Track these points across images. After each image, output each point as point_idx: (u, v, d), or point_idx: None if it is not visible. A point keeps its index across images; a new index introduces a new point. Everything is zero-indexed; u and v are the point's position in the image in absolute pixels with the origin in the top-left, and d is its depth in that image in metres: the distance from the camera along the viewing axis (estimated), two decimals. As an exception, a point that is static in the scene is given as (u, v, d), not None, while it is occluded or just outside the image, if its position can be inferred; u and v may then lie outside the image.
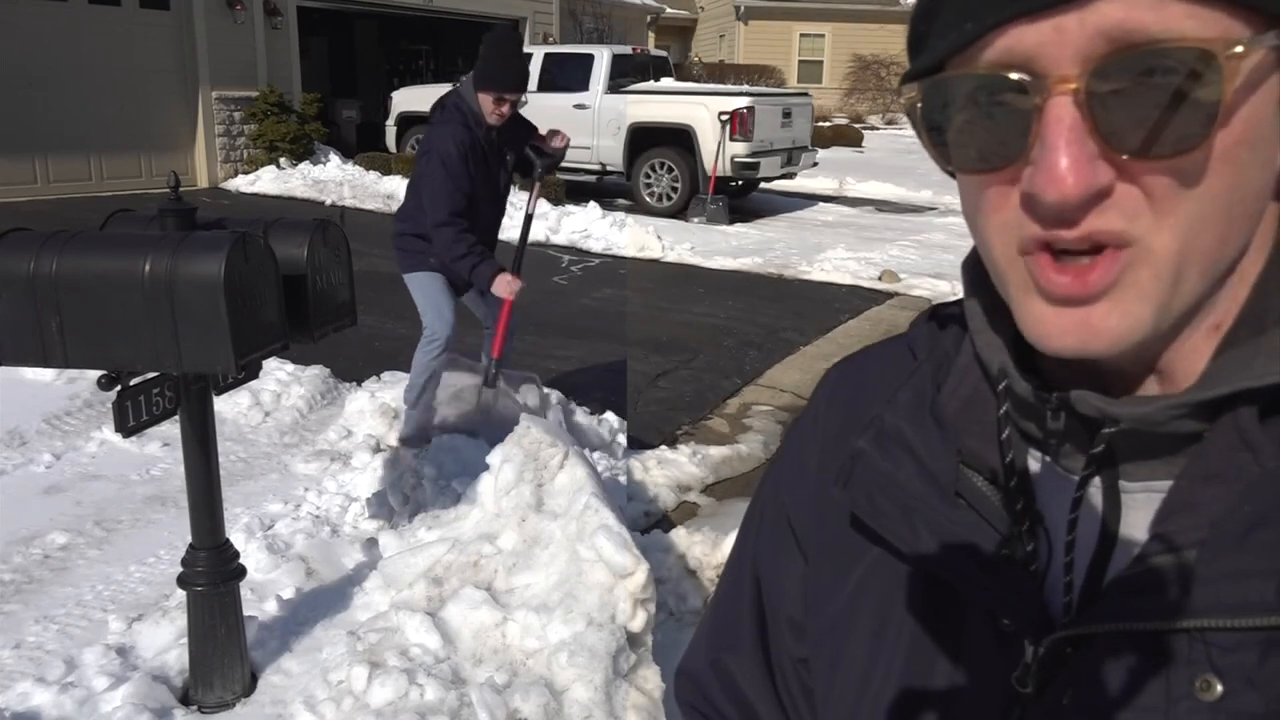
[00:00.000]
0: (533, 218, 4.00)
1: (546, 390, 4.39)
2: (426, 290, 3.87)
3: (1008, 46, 0.43)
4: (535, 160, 3.92)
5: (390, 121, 13.55)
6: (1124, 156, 0.41)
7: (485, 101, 3.67)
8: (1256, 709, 0.42)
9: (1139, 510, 0.48)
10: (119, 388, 2.18)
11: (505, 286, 3.69)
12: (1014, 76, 0.42)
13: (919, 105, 0.47)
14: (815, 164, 13.01)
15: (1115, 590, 0.47)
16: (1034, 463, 0.53)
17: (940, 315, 0.62)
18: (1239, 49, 0.39)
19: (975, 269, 0.55)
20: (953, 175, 0.49)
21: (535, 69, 11.54)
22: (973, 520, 0.52)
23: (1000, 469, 0.52)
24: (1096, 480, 0.49)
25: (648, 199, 11.75)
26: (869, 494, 0.56)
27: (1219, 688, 0.43)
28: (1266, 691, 0.42)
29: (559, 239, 9.54)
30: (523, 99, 3.79)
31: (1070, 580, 0.50)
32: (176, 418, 2.34)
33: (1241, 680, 0.42)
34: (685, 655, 0.75)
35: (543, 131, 4.04)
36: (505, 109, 3.70)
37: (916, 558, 0.54)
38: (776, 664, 0.66)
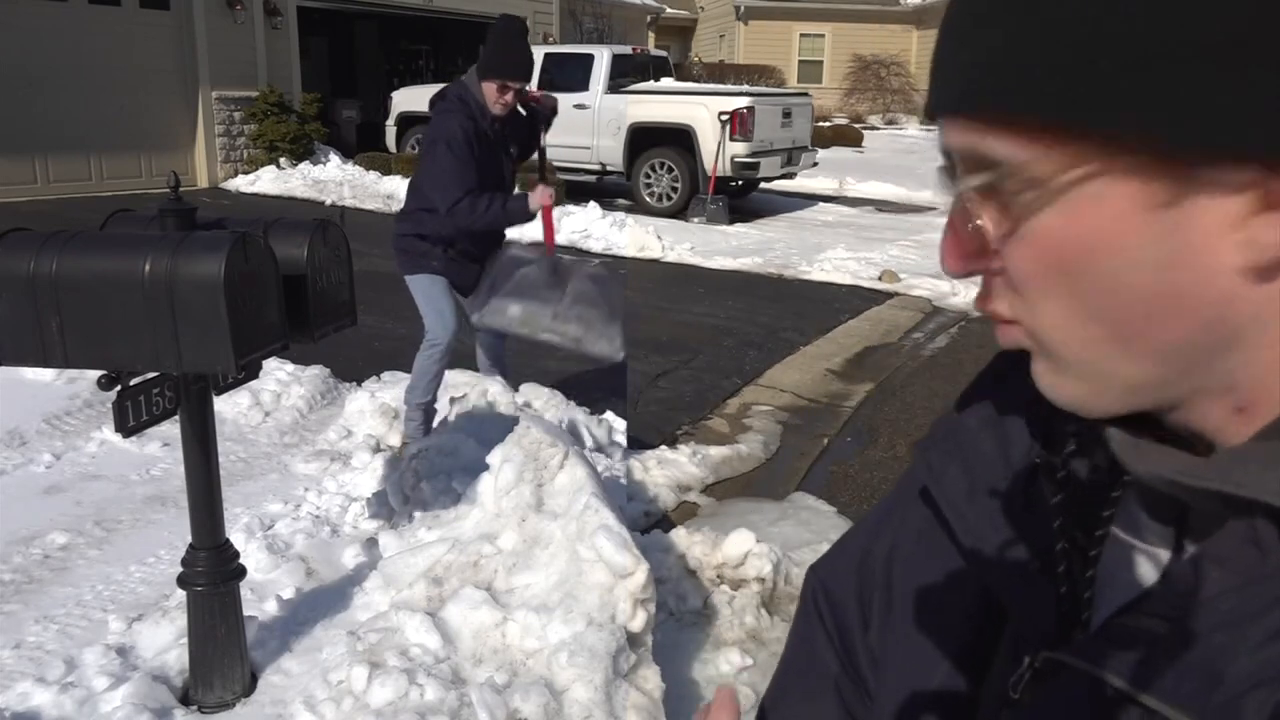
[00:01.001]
0: (545, 149, 4.13)
1: (548, 390, 4.39)
2: (428, 293, 3.85)
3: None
4: (538, 112, 4.00)
5: (390, 121, 13.56)
6: (987, 249, 0.45)
7: (489, 90, 3.66)
8: None
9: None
10: (119, 388, 2.18)
11: (540, 196, 3.75)
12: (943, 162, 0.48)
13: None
14: (815, 164, 13.02)
15: (1103, 631, 0.47)
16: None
17: None
18: (1039, 172, 0.41)
19: None
20: None
21: (535, 69, 11.54)
22: (1021, 525, 0.53)
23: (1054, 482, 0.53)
24: (1156, 525, 0.48)
25: (648, 199, 11.75)
26: (945, 458, 0.58)
27: None
28: None
29: (559, 239, 9.50)
30: (526, 88, 3.78)
31: (1062, 593, 0.50)
32: (176, 418, 2.34)
33: None
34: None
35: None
36: (509, 97, 3.69)
37: (962, 544, 0.56)
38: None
